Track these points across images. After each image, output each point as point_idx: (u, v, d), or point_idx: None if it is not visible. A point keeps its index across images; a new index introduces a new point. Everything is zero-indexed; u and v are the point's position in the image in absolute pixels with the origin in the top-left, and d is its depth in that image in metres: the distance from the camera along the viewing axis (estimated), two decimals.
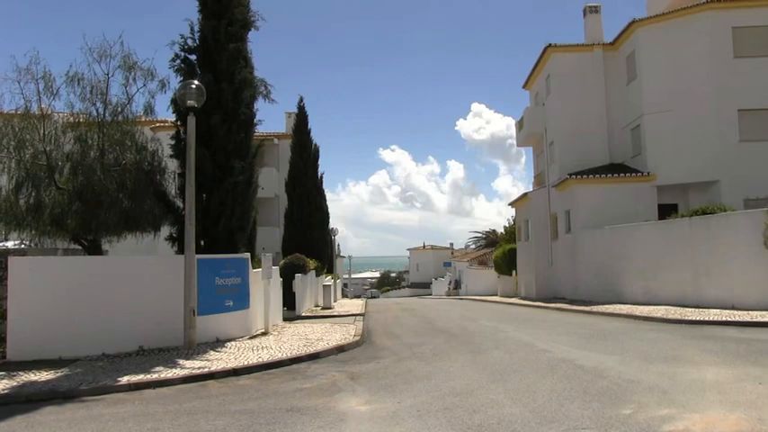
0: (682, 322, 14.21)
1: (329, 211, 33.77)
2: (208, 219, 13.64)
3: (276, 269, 17.73)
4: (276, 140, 32.64)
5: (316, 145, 31.18)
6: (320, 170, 31.51)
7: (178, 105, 13.03)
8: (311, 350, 11.48)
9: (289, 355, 10.93)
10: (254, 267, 14.66)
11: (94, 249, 13.56)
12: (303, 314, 21.03)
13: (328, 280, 29.31)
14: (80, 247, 13.85)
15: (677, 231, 18.74)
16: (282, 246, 28.00)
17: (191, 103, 11.75)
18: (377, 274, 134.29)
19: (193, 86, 11.81)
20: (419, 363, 9.97)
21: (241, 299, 13.69)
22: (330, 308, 24.94)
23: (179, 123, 14.06)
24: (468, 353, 10.89)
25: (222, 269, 13.12)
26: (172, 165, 14.31)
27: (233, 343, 12.58)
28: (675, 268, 18.55)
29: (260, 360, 10.32)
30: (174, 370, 9.45)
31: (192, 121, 11.95)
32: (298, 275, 20.84)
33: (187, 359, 10.47)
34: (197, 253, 12.10)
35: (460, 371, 9.00)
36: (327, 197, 33.72)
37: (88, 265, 12.03)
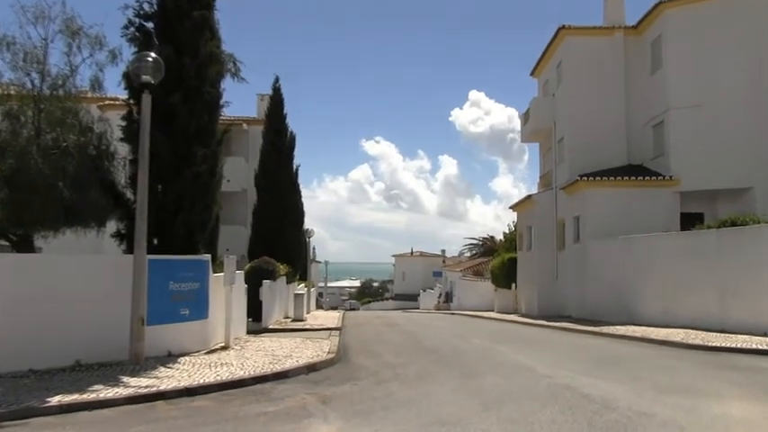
0: (704, 348, 14.34)
1: (304, 209, 33.74)
2: (163, 214, 13.54)
3: (241, 274, 17.63)
4: (246, 126, 32.54)
5: (292, 132, 31.15)
6: (296, 162, 31.52)
7: (131, 81, 12.86)
8: (278, 368, 11.39)
9: (252, 373, 10.86)
10: (215, 271, 14.54)
11: (25, 246, 13.32)
12: (270, 327, 20.97)
13: (301, 288, 29.17)
14: (7, 243, 13.58)
15: (702, 244, 18.92)
16: (249, 247, 27.89)
17: (146, 78, 11.65)
18: (357, 283, 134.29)
19: (149, 59, 11.70)
20: (401, 386, 9.97)
21: (199, 307, 13.60)
22: (302, 320, 24.92)
23: (132, 102, 13.92)
24: (458, 376, 10.90)
25: (178, 272, 13.03)
26: (122, 150, 14.17)
27: (188, 358, 12.49)
28: (699, 286, 18.74)
29: (218, 378, 10.24)
30: (116, 389, 9.34)
31: (147, 99, 11.84)
32: (266, 282, 20.74)
33: (133, 376, 10.37)
34: (149, 253, 11.99)
35: (449, 396, 9.00)
36: (302, 193, 33.73)
37: (15, 263, 11.70)
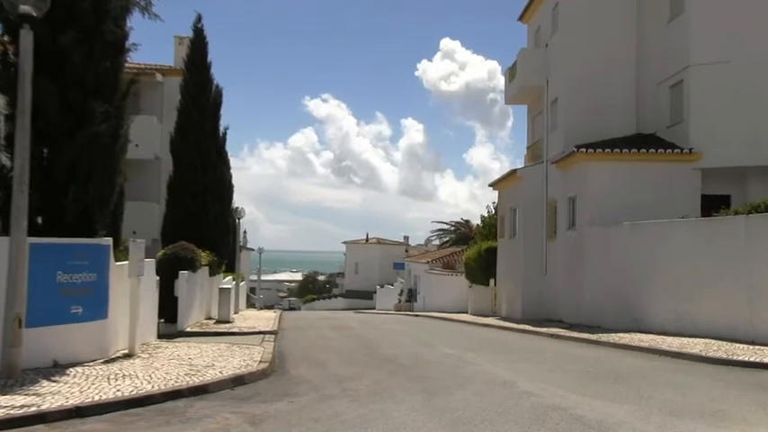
0: (728, 363, 14.57)
1: (233, 183, 33.44)
2: (51, 185, 13.32)
3: (152, 263, 17.52)
4: (160, 77, 31.93)
5: (218, 86, 30.65)
6: (223, 124, 31.13)
7: (6, 12, 12.53)
8: (196, 381, 11.42)
9: (162, 387, 10.83)
10: (118, 259, 14.45)
11: None
12: (189, 329, 21.04)
13: (228, 281, 29.07)
14: None
15: (728, 234, 19.11)
16: (163, 230, 27.54)
17: (25, 9, 11.38)
18: (298, 277, 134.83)
19: None
20: (351, 404, 10.00)
21: (96, 305, 13.47)
22: (228, 321, 25.04)
23: (7, 40, 13.54)
24: (420, 392, 10.97)
25: (69, 260, 12.86)
26: None
27: (80, 369, 12.34)
28: (722, 286, 18.94)
29: (119, 395, 10.15)
30: None
31: (27, 37, 11.59)
32: (183, 273, 20.64)
33: (4, 393, 10.15)
34: (31, 235, 11.80)
35: (408, 417, 9.03)
36: (231, 164, 33.38)
37: None
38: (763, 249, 17.84)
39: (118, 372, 12.21)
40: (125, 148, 14.97)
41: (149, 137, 29.60)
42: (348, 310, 59.88)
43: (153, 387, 10.83)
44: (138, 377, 11.72)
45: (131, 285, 14.56)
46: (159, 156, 31.04)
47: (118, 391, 10.45)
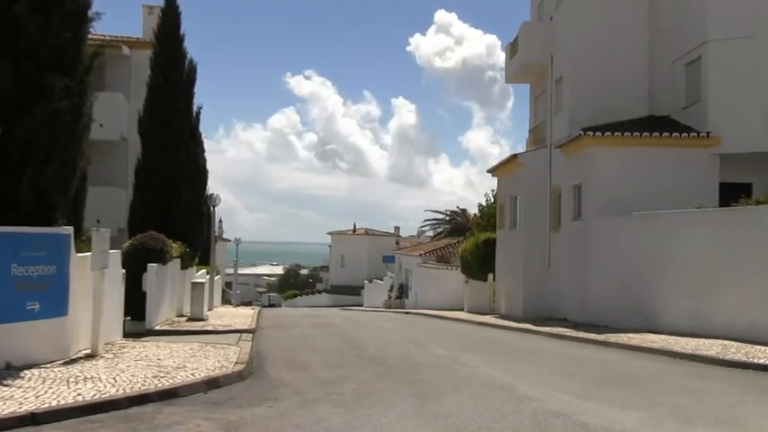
0: (747, 366, 14.64)
1: (207, 167, 33.47)
2: (4, 168, 13.24)
3: (117, 255, 17.50)
4: (127, 50, 31.73)
5: (191, 61, 30.48)
6: (196, 102, 31.05)
7: None
8: (166, 384, 11.41)
9: (128, 391, 10.80)
10: (80, 250, 14.43)
11: None
12: (158, 328, 21.07)
13: (202, 275, 29.10)
14: None
15: (749, 226, 19.21)
16: (130, 218, 27.46)
17: None
18: (279, 271, 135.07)
19: None
20: (335, 409, 10.01)
21: (55, 300, 13.44)
22: (202, 319, 25.00)
23: None
24: (411, 396, 11.01)
25: (24, 251, 12.82)
26: None
27: (36, 371, 12.30)
28: (742, 283, 19.01)
29: (79, 399, 10.11)
30: None
31: None
32: (152, 266, 20.60)
33: None
34: None
35: (398, 423, 9.06)
36: (205, 146, 33.48)
37: None
38: None
39: (79, 374, 12.16)
40: (88, 128, 14.92)
41: (115, 116, 29.42)
42: (333, 306, 59.98)
43: (117, 391, 10.80)
44: (101, 380, 11.68)
45: (94, 279, 14.49)
46: (126, 137, 30.89)
47: (78, 395, 10.41)
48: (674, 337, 19.28)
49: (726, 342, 17.70)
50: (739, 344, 17.37)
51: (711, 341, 17.94)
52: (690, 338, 18.70)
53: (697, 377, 13.36)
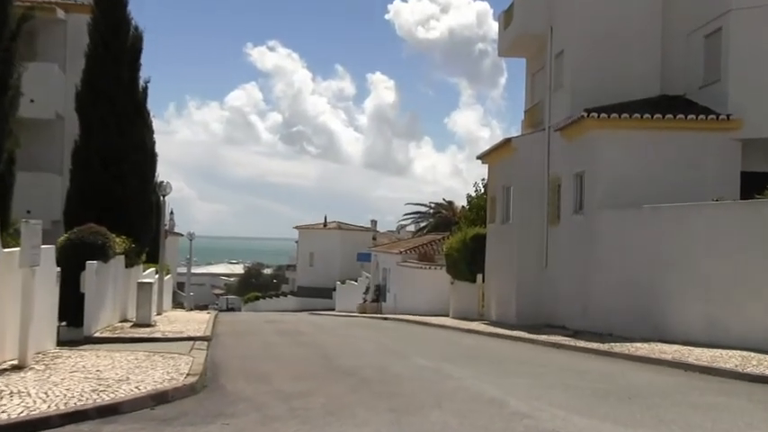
0: None
1: (156, 150, 33.31)
2: None
3: (51, 250, 17.40)
4: (62, 13, 31.53)
5: (137, 28, 30.27)
6: (143, 76, 30.87)
7: None
8: (106, 399, 11.36)
9: (62, 407, 10.73)
10: (6, 245, 14.41)
11: None
12: (98, 334, 20.98)
13: (150, 275, 29.01)
14: None
15: None
16: (66, 208, 27.27)
17: None
18: (239, 270, 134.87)
19: None
20: (300, 426, 10.00)
21: None
22: (149, 325, 24.98)
23: None
24: (387, 411, 11.01)
25: None
26: None
27: None
28: (765, 286, 19.10)
29: (3, 417, 10.03)
30: None
31: None
32: (92, 264, 20.49)
33: None
34: None
35: None
36: (154, 126, 33.28)
37: None
38: None
39: (4, 388, 12.04)
40: (15, 104, 14.92)
41: (49, 90, 29.38)
42: (301, 311, 59.93)
43: (49, 407, 10.72)
44: (29, 395, 11.59)
45: (23, 278, 14.37)
46: (62, 114, 30.77)
47: (3, 412, 10.32)
48: (688, 347, 19.34)
49: (746, 353, 17.74)
50: (762, 355, 17.41)
51: (730, 352, 17.96)
52: (705, 348, 18.78)
53: (713, 392, 13.43)
